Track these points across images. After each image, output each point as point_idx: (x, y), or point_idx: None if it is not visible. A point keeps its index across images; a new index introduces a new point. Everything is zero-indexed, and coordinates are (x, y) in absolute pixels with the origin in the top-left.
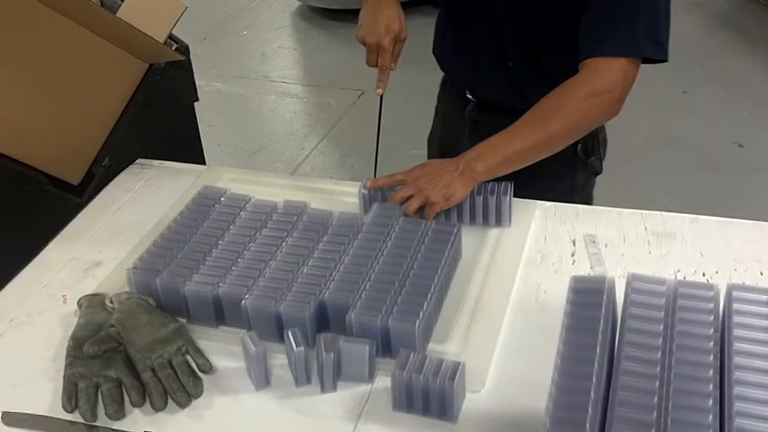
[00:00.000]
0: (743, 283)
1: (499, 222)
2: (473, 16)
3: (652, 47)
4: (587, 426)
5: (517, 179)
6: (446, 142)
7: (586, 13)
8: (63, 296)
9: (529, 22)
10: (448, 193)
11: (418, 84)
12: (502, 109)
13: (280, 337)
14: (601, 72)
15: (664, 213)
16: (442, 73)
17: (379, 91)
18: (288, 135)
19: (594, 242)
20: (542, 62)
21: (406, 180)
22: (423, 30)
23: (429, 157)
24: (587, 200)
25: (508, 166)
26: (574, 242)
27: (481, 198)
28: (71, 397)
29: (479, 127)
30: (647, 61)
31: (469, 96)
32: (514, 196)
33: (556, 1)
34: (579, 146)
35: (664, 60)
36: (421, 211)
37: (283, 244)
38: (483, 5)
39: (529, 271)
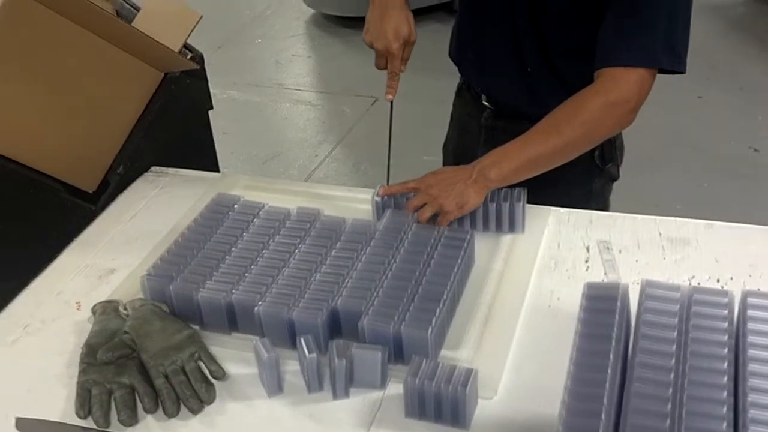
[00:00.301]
0: (758, 289)
1: (512, 228)
2: (492, 20)
3: (669, 58)
4: None
5: (534, 185)
6: (462, 149)
7: (604, 21)
8: (77, 303)
9: (549, 28)
10: (462, 201)
11: (431, 90)
12: (518, 115)
13: (293, 344)
14: (618, 82)
15: (678, 219)
16: (455, 79)
17: (390, 96)
18: (302, 142)
19: (608, 248)
20: (560, 68)
21: (419, 188)
22: (437, 36)
23: (444, 164)
24: (604, 206)
25: (521, 173)
26: (587, 248)
27: (495, 204)
28: (84, 404)
29: (495, 134)
30: (664, 71)
31: (486, 103)
32: (531, 202)
33: (576, 7)
34: (596, 153)
35: (681, 71)
36: (434, 218)
37: (296, 250)
38: (502, 10)
39: (542, 277)
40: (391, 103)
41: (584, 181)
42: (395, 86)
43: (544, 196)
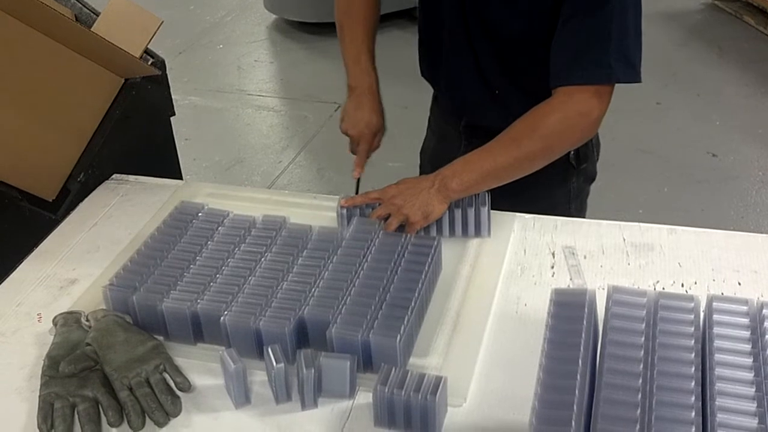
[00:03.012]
0: (722, 293)
1: (478, 232)
2: (452, 47)
3: (624, 71)
4: None
5: (511, 188)
6: (440, 155)
7: (555, 39)
8: (38, 314)
9: (506, 51)
10: (427, 211)
11: (394, 96)
12: (495, 130)
13: (260, 354)
14: (575, 98)
15: (642, 224)
16: (417, 85)
17: (356, 174)
18: (265, 148)
19: (573, 254)
20: (527, 87)
21: (382, 198)
22: (398, 43)
23: (421, 170)
24: (581, 207)
25: (482, 184)
26: (553, 254)
27: (460, 209)
28: (47, 418)
29: (474, 141)
30: (620, 82)
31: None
32: (511, 204)
33: (529, 30)
34: (572, 153)
35: (637, 82)
36: (400, 226)
37: (262, 259)
38: (460, 37)
39: (509, 283)
40: (358, 180)
41: (562, 182)
42: (362, 165)
43: (522, 200)
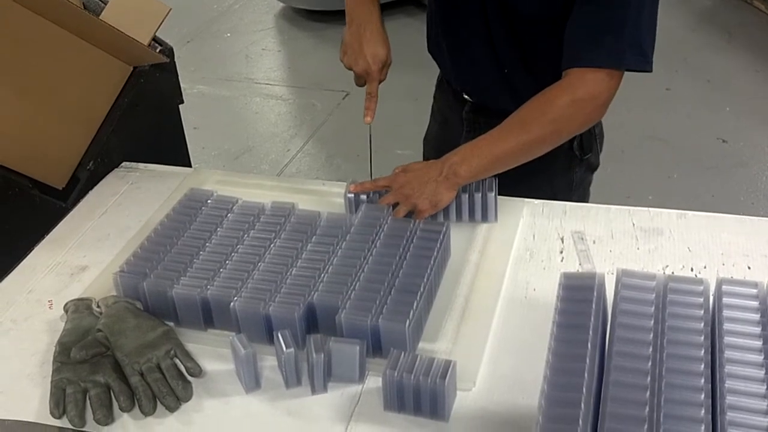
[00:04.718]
0: (732, 277)
1: (485, 218)
2: (466, 24)
3: (635, 58)
4: (580, 422)
5: (515, 176)
6: (443, 142)
7: (570, 22)
8: (49, 301)
9: (522, 32)
10: (435, 200)
11: (403, 85)
12: (499, 111)
13: (270, 339)
14: (585, 80)
15: (651, 209)
16: (426, 74)
17: (368, 119)
18: (273, 137)
19: (582, 239)
20: (536, 68)
21: (391, 186)
22: (407, 31)
23: (425, 157)
24: (584, 196)
25: (491, 169)
26: (562, 239)
27: (467, 195)
28: (59, 403)
29: (477, 126)
30: (631, 70)
31: (467, 96)
32: (512, 193)
33: (547, 11)
34: (575, 143)
35: (647, 71)
36: (408, 213)
37: (272, 245)
38: (476, 14)
39: (518, 268)
40: (370, 126)
41: (565, 172)
42: (373, 108)
43: (525, 187)
